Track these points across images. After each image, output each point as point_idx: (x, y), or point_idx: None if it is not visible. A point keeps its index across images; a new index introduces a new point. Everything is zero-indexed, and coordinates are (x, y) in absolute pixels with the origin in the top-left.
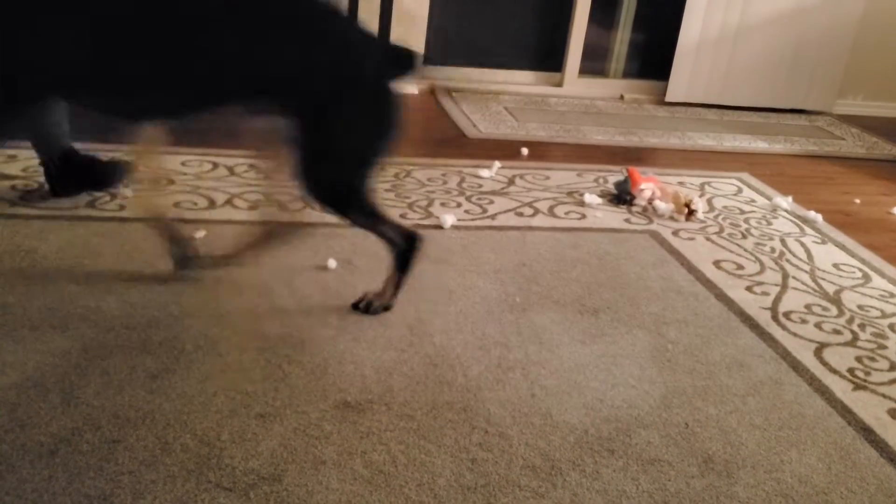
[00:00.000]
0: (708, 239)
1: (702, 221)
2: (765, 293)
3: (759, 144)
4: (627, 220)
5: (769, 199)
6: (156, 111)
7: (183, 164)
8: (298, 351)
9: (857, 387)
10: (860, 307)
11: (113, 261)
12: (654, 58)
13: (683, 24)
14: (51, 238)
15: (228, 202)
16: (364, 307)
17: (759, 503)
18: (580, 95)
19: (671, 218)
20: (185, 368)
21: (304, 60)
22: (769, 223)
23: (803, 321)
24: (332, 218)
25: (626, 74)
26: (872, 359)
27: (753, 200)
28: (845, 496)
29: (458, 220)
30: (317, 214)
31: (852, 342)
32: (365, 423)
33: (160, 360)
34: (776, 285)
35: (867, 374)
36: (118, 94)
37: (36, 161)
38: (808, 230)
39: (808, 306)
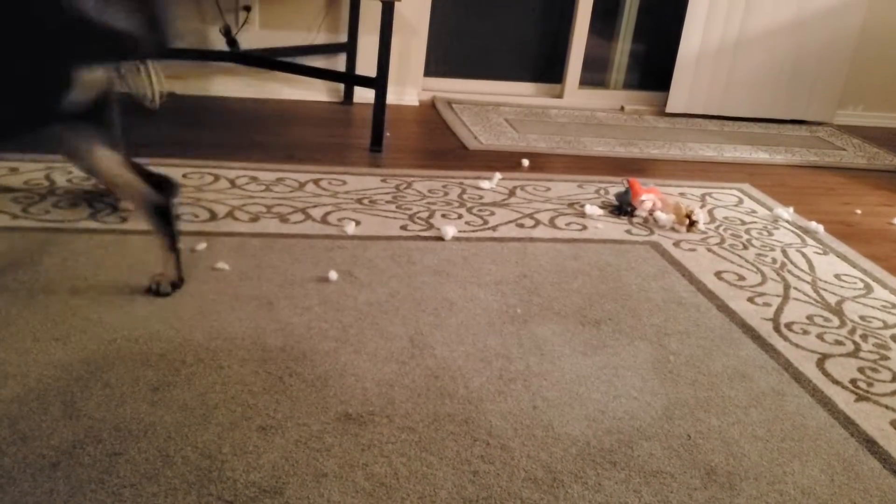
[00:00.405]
0: (709, 250)
1: (703, 232)
2: (766, 304)
3: (760, 155)
4: (628, 232)
5: (770, 209)
6: None
7: (184, 176)
8: (299, 363)
9: (860, 398)
10: (862, 318)
11: (115, 273)
12: (654, 69)
13: (684, 36)
14: (53, 250)
15: (230, 214)
16: (154, 291)
17: None
18: (581, 107)
19: (672, 229)
20: (186, 381)
21: None
22: (770, 234)
23: (805, 332)
24: (332, 230)
25: (627, 86)
26: (875, 370)
27: (754, 211)
28: None
29: (459, 231)
30: (317, 227)
31: (854, 353)
32: (366, 435)
33: (161, 372)
34: (778, 296)
35: (870, 385)
36: None
37: (39, 174)
38: (809, 241)
39: (809, 317)
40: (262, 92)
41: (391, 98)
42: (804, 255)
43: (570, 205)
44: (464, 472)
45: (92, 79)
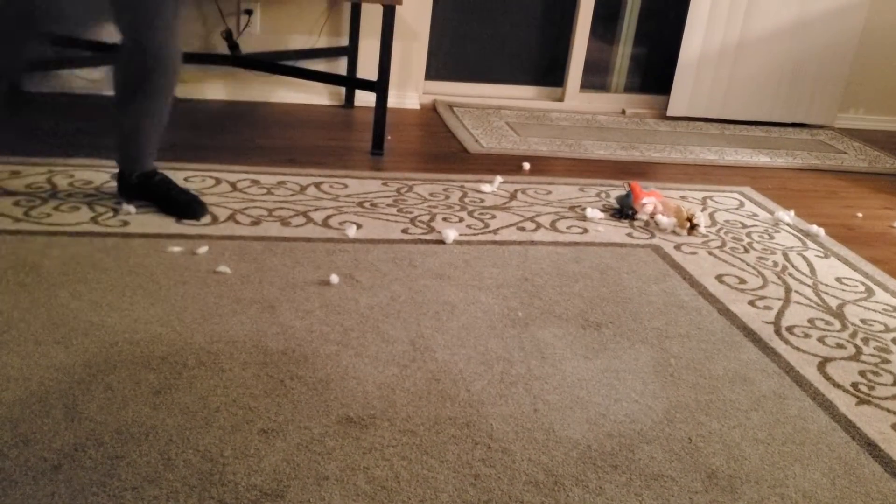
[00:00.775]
0: (710, 253)
1: (704, 236)
2: (767, 307)
3: (761, 158)
4: (629, 235)
5: (771, 213)
6: None
7: (186, 179)
8: (301, 366)
9: (861, 401)
10: (863, 321)
11: (116, 276)
12: (655, 72)
13: (684, 39)
14: (54, 253)
15: (231, 218)
16: None
17: None
18: (581, 110)
19: (673, 232)
20: (187, 384)
21: None
22: (771, 237)
23: (806, 335)
24: (334, 233)
25: (628, 89)
26: (876, 373)
27: (755, 214)
28: None
29: (460, 234)
30: (319, 230)
31: (856, 356)
32: (367, 438)
33: (163, 375)
34: (779, 299)
35: (871, 388)
36: None
37: (41, 178)
38: (810, 244)
39: (811, 320)
40: (263, 95)
41: (392, 101)
42: (805, 258)
43: (572, 208)
44: (465, 475)
45: None
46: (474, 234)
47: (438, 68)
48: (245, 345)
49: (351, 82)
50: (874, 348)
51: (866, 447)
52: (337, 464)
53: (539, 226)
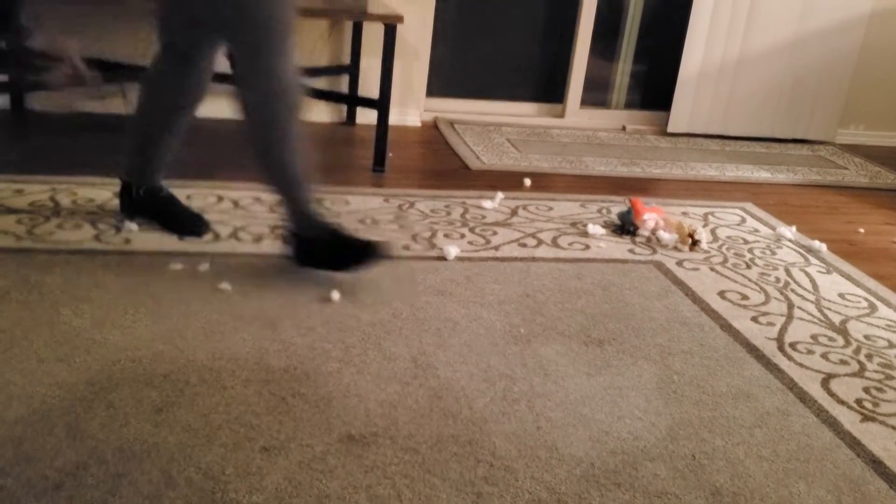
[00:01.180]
0: (712, 269)
1: (706, 252)
2: (770, 323)
3: (762, 174)
4: (631, 251)
5: (773, 228)
6: None
7: (188, 197)
8: (302, 384)
9: (866, 418)
10: (867, 337)
11: (118, 294)
12: (655, 89)
13: (684, 56)
14: (56, 271)
15: (233, 235)
16: None
17: None
18: (582, 127)
19: (675, 248)
20: (189, 401)
21: None
22: (773, 253)
23: (809, 351)
24: None
25: (628, 105)
26: (880, 389)
27: (757, 230)
28: None
29: (462, 251)
30: None
31: (859, 373)
32: (370, 456)
33: (165, 393)
34: (781, 315)
35: (875, 404)
36: None
37: (44, 195)
38: (812, 260)
39: (814, 336)
40: None
41: (394, 119)
42: (807, 274)
43: (573, 224)
44: (467, 493)
45: None
46: (476, 251)
47: (439, 86)
48: (247, 362)
49: (352, 100)
50: (878, 364)
51: (871, 464)
52: (339, 482)
53: (540, 242)
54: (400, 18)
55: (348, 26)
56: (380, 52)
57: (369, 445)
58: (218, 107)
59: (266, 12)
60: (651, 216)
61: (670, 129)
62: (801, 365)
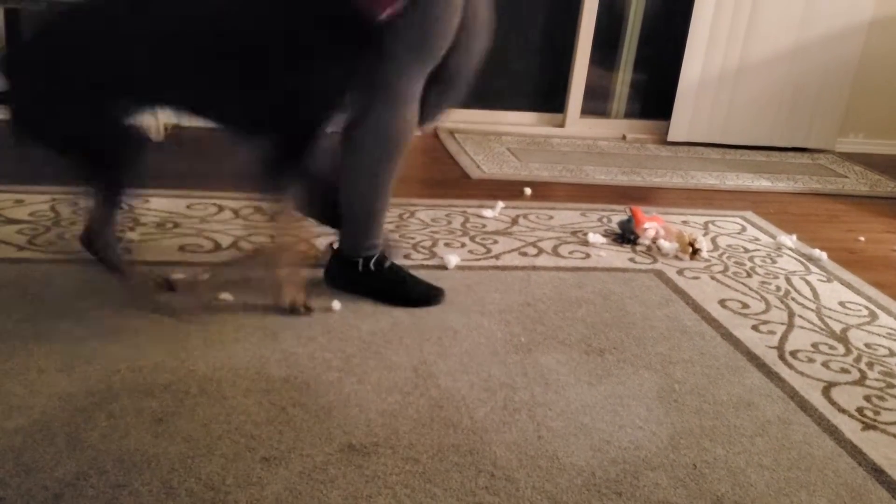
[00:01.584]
0: (713, 278)
1: (706, 260)
2: (771, 332)
3: (762, 183)
4: (632, 260)
5: (773, 237)
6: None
7: (188, 207)
8: (303, 393)
9: (867, 426)
10: (867, 345)
11: (119, 304)
12: (655, 98)
13: (684, 65)
14: (57, 281)
15: (234, 245)
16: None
17: None
18: (582, 136)
19: (675, 257)
20: (189, 411)
21: None
22: (774, 262)
23: (810, 360)
24: None
25: (628, 114)
26: (881, 398)
27: (758, 239)
28: None
29: (463, 260)
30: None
31: (860, 381)
32: (370, 466)
33: (165, 403)
34: (782, 324)
35: (876, 413)
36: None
37: (44, 206)
38: (813, 268)
39: (814, 345)
40: None
41: None
42: (808, 282)
43: (574, 233)
44: (468, 503)
45: None
46: (476, 260)
47: None
48: (247, 372)
49: None
50: (879, 373)
51: (873, 473)
52: (339, 492)
53: (541, 251)
54: None
55: None
56: None
57: (370, 455)
58: None
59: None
60: (651, 225)
61: (670, 137)
62: (801, 373)
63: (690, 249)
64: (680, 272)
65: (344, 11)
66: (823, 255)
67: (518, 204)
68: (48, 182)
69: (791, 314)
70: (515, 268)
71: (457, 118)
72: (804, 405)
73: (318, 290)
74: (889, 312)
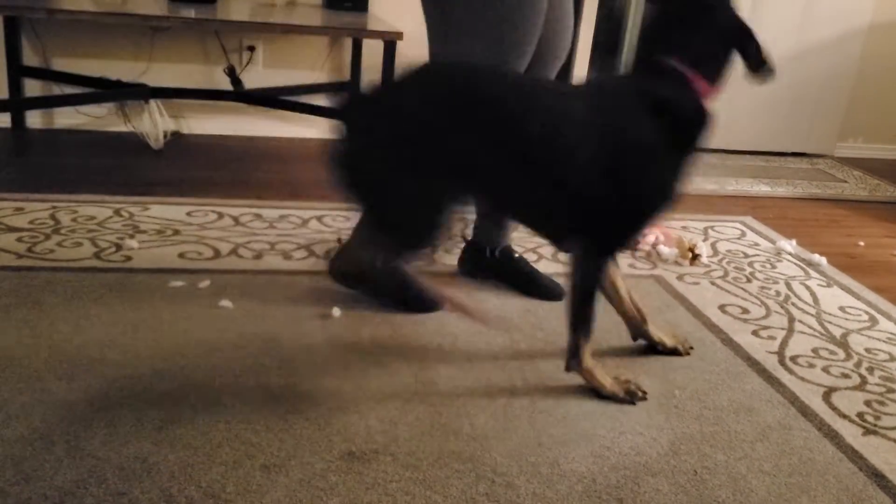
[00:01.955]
0: (713, 283)
1: (706, 266)
2: (771, 337)
3: (762, 188)
4: (632, 266)
5: (773, 242)
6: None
7: (188, 214)
8: (303, 401)
9: (868, 431)
10: (868, 350)
11: (119, 311)
12: None
13: None
14: (57, 289)
15: (233, 252)
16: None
17: None
18: None
19: (675, 263)
20: (189, 419)
21: None
22: (773, 267)
23: (811, 365)
24: None
25: None
26: (882, 403)
27: (757, 244)
28: None
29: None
30: (320, 263)
31: (861, 386)
32: (370, 473)
33: (165, 410)
34: (782, 329)
35: (877, 418)
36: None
37: (44, 213)
38: (812, 273)
39: (815, 350)
40: (265, 130)
41: None
42: (808, 287)
43: None
44: None
45: None
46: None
47: None
48: (247, 379)
49: None
50: (879, 378)
51: (873, 478)
52: (339, 499)
53: (541, 257)
54: (400, 35)
55: (348, 43)
56: (380, 69)
57: (370, 462)
58: (218, 124)
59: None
60: (651, 231)
61: None
62: (802, 379)
63: (690, 255)
64: (680, 278)
65: (685, 111)
66: (823, 260)
67: None
68: (48, 190)
69: (791, 319)
70: None
71: None
72: (805, 410)
73: (318, 297)
74: (889, 317)
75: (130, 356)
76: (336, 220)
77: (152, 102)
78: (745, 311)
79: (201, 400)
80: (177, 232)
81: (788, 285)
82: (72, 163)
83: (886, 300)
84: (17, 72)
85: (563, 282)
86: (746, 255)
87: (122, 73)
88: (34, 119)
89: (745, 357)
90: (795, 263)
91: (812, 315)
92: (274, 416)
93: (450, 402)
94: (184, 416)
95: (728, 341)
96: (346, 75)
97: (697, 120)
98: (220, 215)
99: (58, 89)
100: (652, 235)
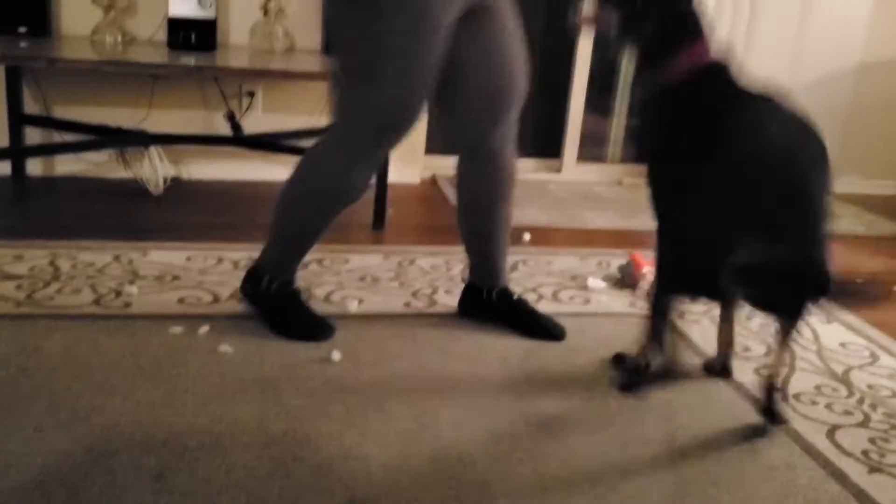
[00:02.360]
0: (713, 321)
1: (705, 304)
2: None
3: None
4: (632, 304)
5: None
6: None
7: (188, 259)
8: (303, 447)
9: (873, 469)
10: (870, 387)
11: (118, 358)
12: None
13: None
14: (56, 336)
15: (233, 296)
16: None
17: None
18: (579, 181)
19: None
20: (188, 467)
21: None
22: None
23: (813, 402)
24: (335, 309)
25: (624, 160)
26: (886, 440)
27: None
28: None
29: None
30: (321, 306)
31: (864, 423)
32: None
33: (164, 458)
34: (784, 366)
35: (882, 455)
36: None
37: (44, 261)
38: (812, 310)
39: (817, 387)
40: (265, 174)
41: (393, 177)
42: (808, 324)
43: (573, 278)
44: None
45: None
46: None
47: (438, 143)
48: (247, 426)
49: None
50: (882, 414)
51: None
52: None
53: (541, 297)
54: None
55: None
56: None
57: None
58: (217, 169)
59: None
60: (651, 269)
61: None
62: (805, 416)
63: None
64: (680, 316)
65: None
66: None
67: (517, 249)
68: (47, 237)
69: (792, 356)
70: None
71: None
72: (809, 449)
73: (319, 342)
74: (890, 353)
75: (130, 403)
76: (335, 263)
77: (152, 149)
78: (747, 348)
79: (201, 447)
80: (176, 277)
81: None
82: (72, 209)
83: (887, 335)
84: (18, 120)
85: (563, 321)
86: None
87: (122, 120)
88: (34, 166)
89: (747, 395)
90: None
91: (813, 352)
92: (274, 462)
93: (452, 447)
94: (183, 463)
95: (731, 380)
96: None
97: None
98: (220, 260)
99: (58, 137)
100: (652, 274)
